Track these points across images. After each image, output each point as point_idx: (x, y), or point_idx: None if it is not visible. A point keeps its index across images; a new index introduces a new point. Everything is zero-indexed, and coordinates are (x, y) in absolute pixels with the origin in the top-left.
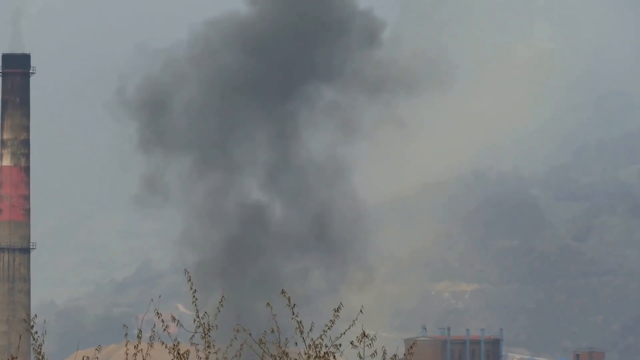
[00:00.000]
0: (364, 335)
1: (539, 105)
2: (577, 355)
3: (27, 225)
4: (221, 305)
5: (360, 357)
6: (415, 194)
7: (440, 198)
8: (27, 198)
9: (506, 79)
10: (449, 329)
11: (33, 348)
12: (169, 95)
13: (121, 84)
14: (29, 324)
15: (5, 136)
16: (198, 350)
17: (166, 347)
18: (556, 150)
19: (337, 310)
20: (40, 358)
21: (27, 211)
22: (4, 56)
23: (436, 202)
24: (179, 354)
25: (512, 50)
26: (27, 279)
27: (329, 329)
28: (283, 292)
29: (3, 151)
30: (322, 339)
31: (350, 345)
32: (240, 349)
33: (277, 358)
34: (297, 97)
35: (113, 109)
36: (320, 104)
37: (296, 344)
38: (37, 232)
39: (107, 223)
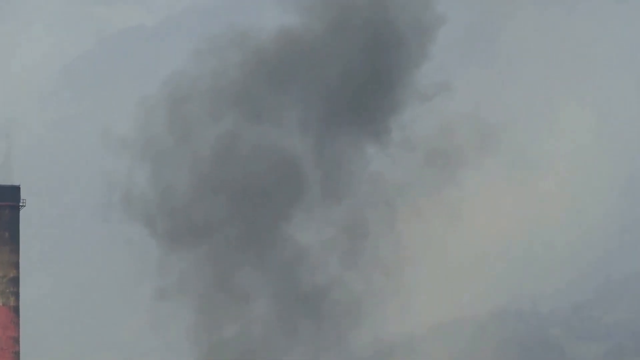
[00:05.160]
0: None
1: (558, 234)
2: None
3: None
4: None
5: None
6: (425, 334)
7: (454, 339)
8: (16, 340)
9: (522, 204)
10: None
11: None
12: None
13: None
14: None
15: None
16: None
17: None
18: (578, 284)
19: None
20: None
21: (17, 354)
22: None
23: (449, 343)
24: None
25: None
26: None
27: None
28: None
29: None
30: None
31: None
32: None
33: None
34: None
35: (107, 244)
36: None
37: None
38: None
39: None
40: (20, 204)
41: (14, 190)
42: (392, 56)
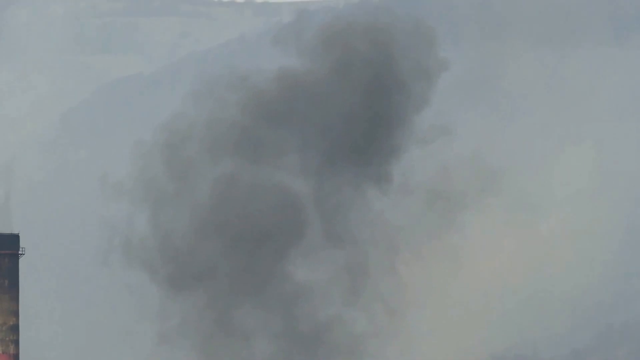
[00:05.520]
0: None
1: (559, 279)
2: None
3: None
4: None
5: None
6: None
7: None
8: None
9: (523, 248)
10: None
11: None
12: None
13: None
14: None
15: None
16: None
17: None
18: (578, 330)
19: None
20: None
21: None
22: None
23: None
24: None
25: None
26: None
27: None
28: None
29: None
30: None
31: None
32: None
33: None
34: None
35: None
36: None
37: None
38: None
39: None
40: (20, 252)
41: (13, 239)
42: (393, 99)
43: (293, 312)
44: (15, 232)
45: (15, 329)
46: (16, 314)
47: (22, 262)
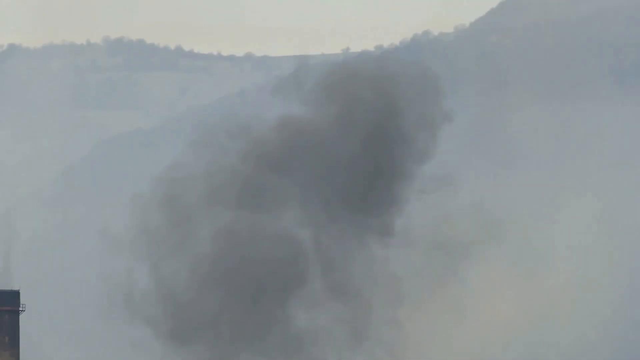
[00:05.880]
0: None
1: (562, 330)
2: None
3: None
4: None
5: None
6: None
7: None
8: None
9: (525, 300)
10: None
11: None
12: None
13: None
14: None
15: None
16: None
17: None
18: None
19: None
20: None
21: None
22: None
23: None
24: None
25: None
26: None
27: None
28: None
29: None
30: None
31: None
32: None
33: None
34: None
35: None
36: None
37: None
38: None
39: None
40: (20, 309)
41: (14, 295)
42: (396, 150)
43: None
44: (16, 288)
45: None
46: None
47: (23, 319)
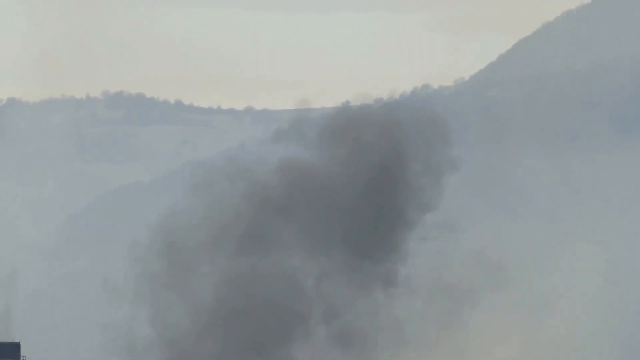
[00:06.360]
0: None
1: None
2: None
3: None
4: None
5: None
6: None
7: None
8: None
9: (529, 347)
10: None
11: None
12: None
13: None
14: None
15: None
16: None
17: None
18: None
19: None
20: None
21: None
22: None
23: None
24: None
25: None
26: None
27: None
28: None
29: None
30: None
31: None
32: None
33: None
34: None
35: None
36: None
37: None
38: None
39: None
40: None
41: (14, 347)
42: (400, 197)
43: None
44: (16, 340)
45: None
46: None
47: None
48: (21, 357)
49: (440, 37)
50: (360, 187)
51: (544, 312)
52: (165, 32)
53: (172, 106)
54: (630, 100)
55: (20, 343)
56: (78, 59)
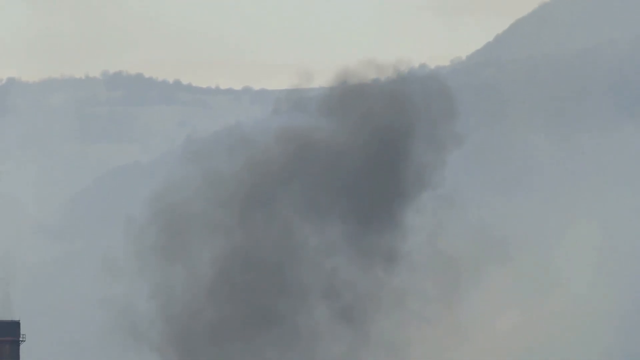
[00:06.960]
0: None
1: (562, 353)
2: None
3: None
4: None
5: None
6: None
7: None
8: None
9: (528, 323)
10: None
11: None
12: None
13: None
14: None
15: None
16: None
17: None
18: None
19: None
20: None
21: None
22: None
23: None
24: None
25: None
26: None
27: None
28: None
29: None
30: None
31: None
32: None
33: None
34: None
35: None
36: None
37: None
38: None
39: None
40: (21, 339)
41: (14, 326)
42: (402, 171)
43: None
44: (16, 319)
45: None
46: None
47: (23, 349)
48: (21, 336)
49: (438, 18)
50: (363, 158)
51: (544, 286)
52: (165, 13)
53: (171, 86)
54: (627, 79)
55: (20, 322)
56: (77, 39)
